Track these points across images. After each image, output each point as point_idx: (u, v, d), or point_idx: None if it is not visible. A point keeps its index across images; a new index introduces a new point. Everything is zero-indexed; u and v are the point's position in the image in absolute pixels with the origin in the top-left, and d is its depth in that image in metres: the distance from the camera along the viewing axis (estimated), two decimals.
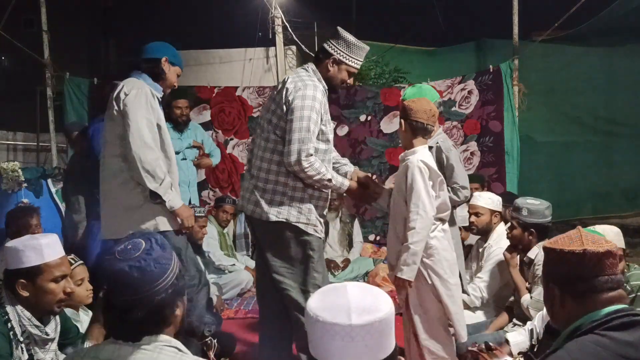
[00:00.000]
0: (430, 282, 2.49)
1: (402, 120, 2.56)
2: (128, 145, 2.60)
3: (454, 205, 2.87)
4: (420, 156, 2.49)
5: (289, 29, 11.04)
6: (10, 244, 1.92)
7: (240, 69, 13.78)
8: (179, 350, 1.37)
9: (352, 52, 2.63)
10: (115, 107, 2.65)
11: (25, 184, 4.52)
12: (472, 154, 5.44)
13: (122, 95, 2.64)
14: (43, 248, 1.89)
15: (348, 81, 2.72)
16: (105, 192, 2.74)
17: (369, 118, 5.59)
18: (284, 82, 2.60)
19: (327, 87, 2.65)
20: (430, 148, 2.78)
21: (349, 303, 1.03)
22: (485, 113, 5.39)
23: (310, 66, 2.68)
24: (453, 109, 5.48)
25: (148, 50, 2.86)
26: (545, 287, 1.45)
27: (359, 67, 2.69)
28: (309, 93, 2.51)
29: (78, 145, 4.18)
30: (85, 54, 18.45)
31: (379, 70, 8.96)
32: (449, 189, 2.85)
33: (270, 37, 11.78)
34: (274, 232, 2.59)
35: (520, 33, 5.32)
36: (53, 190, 4.74)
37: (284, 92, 2.54)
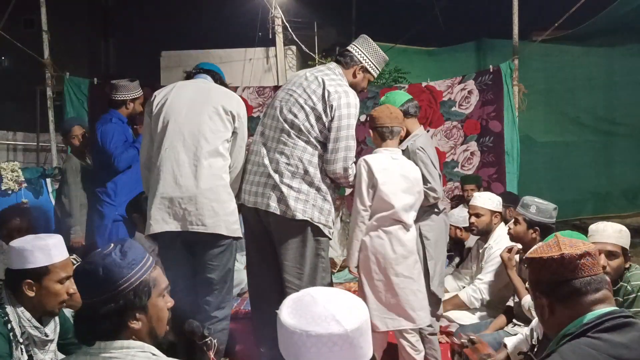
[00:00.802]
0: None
1: (371, 130, 2.78)
2: (237, 151, 2.63)
3: (426, 205, 2.90)
4: (368, 157, 2.69)
5: (289, 29, 11.07)
6: (17, 243, 1.91)
7: (240, 69, 13.80)
8: (153, 354, 1.38)
9: (378, 63, 2.77)
10: (231, 111, 2.60)
11: (25, 184, 4.52)
12: (472, 154, 5.44)
13: (236, 102, 2.65)
14: (51, 249, 1.90)
15: (365, 89, 2.84)
16: (204, 190, 2.50)
17: (369, 118, 5.58)
18: (323, 85, 2.59)
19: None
20: (402, 151, 2.88)
21: (329, 310, 1.03)
22: (485, 113, 5.39)
23: (337, 69, 2.72)
24: (453, 109, 5.48)
25: (217, 69, 2.87)
26: (533, 298, 1.46)
27: (376, 76, 2.83)
28: (351, 101, 2.59)
29: (79, 142, 4.05)
30: (85, 54, 18.45)
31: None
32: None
33: (270, 37, 11.81)
34: (293, 230, 2.60)
35: (520, 33, 5.32)
36: (52, 190, 4.74)
37: (326, 95, 2.56)
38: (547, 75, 6.53)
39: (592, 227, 2.49)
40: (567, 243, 1.38)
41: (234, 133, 2.62)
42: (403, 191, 2.66)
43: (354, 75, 2.72)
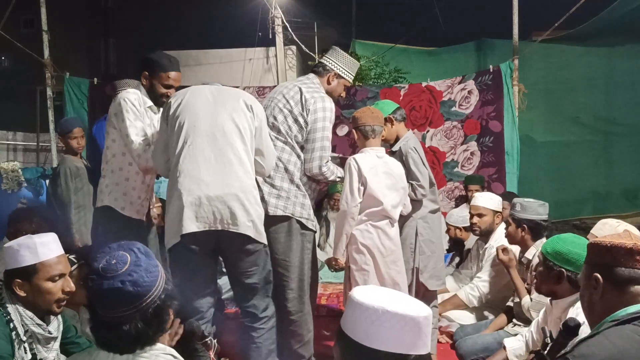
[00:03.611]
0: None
1: (354, 130, 2.96)
2: (266, 151, 2.67)
3: (413, 200, 3.08)
4: (358, 156, 2.86)
5: (289, 29, 11.07)
6: (8, 243, 1.92)
7: (240, 69, 13.80)
8: (174, 357, 1.38)
9: (350, 68, 3.01)
10: (252, 105, 2.59)
11: (25, 184, 4.52)
12: (472, 154, 5.43)
13: (254, 99, 2.71)
14: (37, 247, 1.88)
15: (342, 94, 3.10)
16: (235, 189, 2.43)
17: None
18: (300, 92, 2.82)
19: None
20: (394, 153, 3.13)
21: (402, 298, 1.16)
22: (485, 113, 5.39)
23: (315, 79, 2.95)
24: (453, 109, 5.48)
25: None
26: (586, 278, 1.51)
27: (351, 81, 3.08)
28: (327, 105, 2.82)
29: (78, 144, 4.02)
30: (85, 54, 18.45)
31: (379, 70, 8.96)
32: (408, 185, 3.03)
33: (270, 37, 11.82)
34: (278, 226, 2.75)
35: (520, 33, 5.32)
36: None
37: (303, 101, 2.79)
38: (547, 75, 6.52)
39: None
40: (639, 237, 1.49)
41: (257, 130, 2.55)
42: (388, 188, 2.85)
43: (329, 82, 2.97)
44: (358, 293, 1.17)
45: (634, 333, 1.31)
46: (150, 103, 2.85)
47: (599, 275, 1.46)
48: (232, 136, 2.42)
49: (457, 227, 4.13)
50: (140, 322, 1.30)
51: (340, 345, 1.17)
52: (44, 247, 1.90)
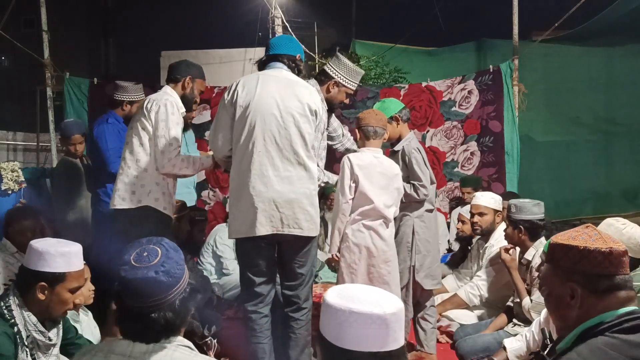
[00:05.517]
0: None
1: (357, 130, 3.00)
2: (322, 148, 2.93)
3: (414, 201, 3.09)
4: (352, 155, 2.93)
5: (289, 29, 11.06)
6: (39, 244, 1.90)
7: (240, 69, 13.80)
8: (191, 349, 1.42)
9: (351, 76, 3.04)
10: (316, 110, 2.62)
11: (25, 184, 4.52)
12: (472, 154, 5.44)
13: (317, 98, 2.71)
14: (72, 257, 1.91)
15: (345, 101, 3.12)
16: (300, 195, 2.56)
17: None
18: None
19: (326, 107, 3.02)
20: (396, 152, 3.15)
21: (371, 297, 1.17)
22: (485, 113, 5.39)
23: (316, 85, 2.98)
24: (453, 109, 5.48)
25: (288, 50, 2.72)
26: (559, 285, 1.40)
27: (355, 88, 3.06)
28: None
29: (75, 150, 3.98)
30: (85, 54, 18.47)
31: (379, 70, 8.98)
32: (410, 185, 3.04)
33: (271, 37, 11.80)
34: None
35: (520, 33, 5.32)
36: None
37: None
38: (547, 75, 6.52)
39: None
40: (610, 238, 1.38)
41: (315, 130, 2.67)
42: (381, 187, 2.88)
43: (328, 90, 3.03)
44: (330, 295, 1.20)
45: (606, 346, 1.25)
46: (184, 109, 2.91)
47: (576, 286, 1.36)
48: (297, 144, 2.54)
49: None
50: (169, 312, 1.35)
51: (319, 347, 1.21)
52: (75, 258, 1.93)
